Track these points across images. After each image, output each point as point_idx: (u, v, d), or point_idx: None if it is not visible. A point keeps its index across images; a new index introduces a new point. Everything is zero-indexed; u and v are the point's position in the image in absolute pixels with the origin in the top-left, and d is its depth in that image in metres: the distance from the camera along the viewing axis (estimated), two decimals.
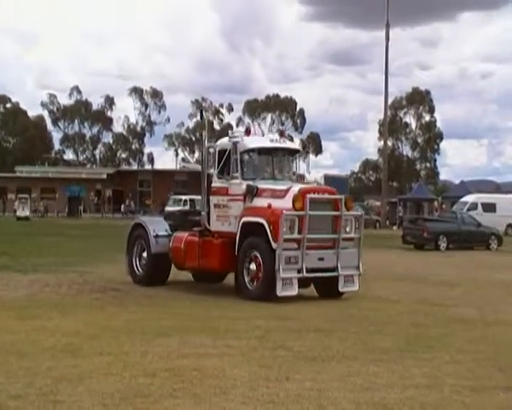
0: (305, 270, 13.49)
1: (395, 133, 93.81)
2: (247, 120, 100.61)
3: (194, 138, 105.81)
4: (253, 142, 15.01)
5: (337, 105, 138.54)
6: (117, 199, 74.36)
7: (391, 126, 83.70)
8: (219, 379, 7.59)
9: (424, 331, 10.94)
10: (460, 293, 16.05)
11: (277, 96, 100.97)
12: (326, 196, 14.23)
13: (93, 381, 7.42)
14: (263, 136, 15.80)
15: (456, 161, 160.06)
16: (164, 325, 10.84)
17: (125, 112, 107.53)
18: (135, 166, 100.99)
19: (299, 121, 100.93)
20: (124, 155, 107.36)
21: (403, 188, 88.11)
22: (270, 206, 13.56)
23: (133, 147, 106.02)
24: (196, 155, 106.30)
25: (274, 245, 13.30)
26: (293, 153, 15.56)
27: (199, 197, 59.93)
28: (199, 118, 18.83)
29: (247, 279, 13.86)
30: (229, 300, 13.98)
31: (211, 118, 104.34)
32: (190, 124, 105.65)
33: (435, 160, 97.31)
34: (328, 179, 70.86)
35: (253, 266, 13.71)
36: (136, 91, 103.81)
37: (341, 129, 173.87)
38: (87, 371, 7.79)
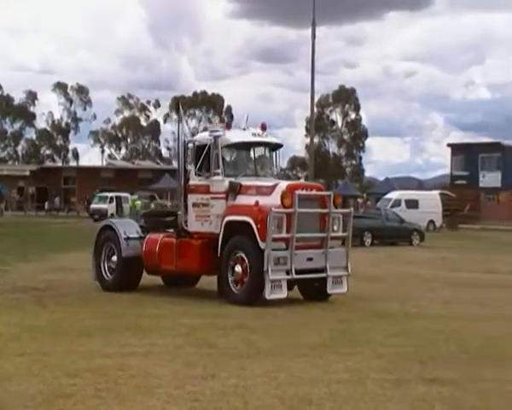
0: (294, 271, 12.78)
1: (322, 131, 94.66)
2: (174, 116, 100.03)
3: (120, 135, 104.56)
4: (236, 136, 14.15)
5: (264, 102, 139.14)
6: (40, 196, 72.70)
7: (317, 124, 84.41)
8: (144, 378, 7.54)
9: (348, 326, 11.10)
10: (383, 288, 16.35)
11: (205, 92, 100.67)
12: (314, 192, 13.62)
13: (13, 383, 7.27)
14: (244, 130, 14.61)
15: (381, 158, 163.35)
16: (87, 325, 10.68)
17: (49, 107, 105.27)
18: (59, 163, 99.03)
19: (226, 118, 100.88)
20: (48, 152, 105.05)
21: (329, 184, 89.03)
22: (257, 203, 12.83)
23: (57, 143, 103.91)
24: (123, 151, 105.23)
25: (262, 245, 12.53)
26: (275, 148, 14.74)
27: (125, 194, 58.45)
28: (175, 111, 17.49)
29: (231, 282, 13.02)
30: (151, 297, 13.85)
31: (137, 114, 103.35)
32: (117, 120, 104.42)
33: (360, 157, 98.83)
34: None
35: (238, 268, 12.88)
36: (61, 87, 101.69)
37: (269, 126, 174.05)
38: (7, 373, 7.63)
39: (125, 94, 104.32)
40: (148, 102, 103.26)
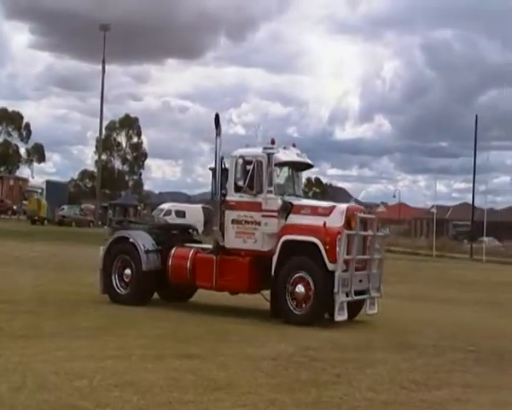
0: (353, 293, 10.76)
1: (109, 150, 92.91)
2: None
3: None
4: (285, 155, 11.68)
5: (62, 122, 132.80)
6: None
7: (106, 144, 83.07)
8: None
9: (121, 313, 10.95)
10: None
11: (6, 110, 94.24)
12: (363, 215, 11.43)
13: None
14: (285, 149, 11.95)
15: (158, 175, 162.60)
16: None
17: None
18: None
19: (24, 133, 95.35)
20: None
21: (113, 195, 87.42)
22: (324, 224, 10.63)
23: None
24: None
25: (330, 266, 10.39)
26: (307, 168, 12.67)
27: None
28: (214, 125, 11.38)
29: (290, 303, 10.66)
30: None
31: None
32: None
33: (141, 173, 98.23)
34: (50, 184, 67.79)
35: (299, 289, 10.56)
36: None
37: (65, 143, 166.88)
38: None
39: None
40: None
